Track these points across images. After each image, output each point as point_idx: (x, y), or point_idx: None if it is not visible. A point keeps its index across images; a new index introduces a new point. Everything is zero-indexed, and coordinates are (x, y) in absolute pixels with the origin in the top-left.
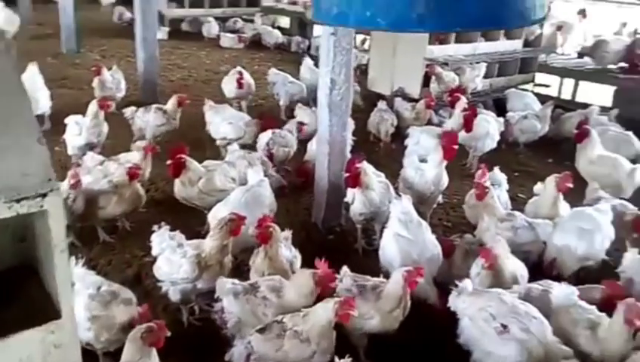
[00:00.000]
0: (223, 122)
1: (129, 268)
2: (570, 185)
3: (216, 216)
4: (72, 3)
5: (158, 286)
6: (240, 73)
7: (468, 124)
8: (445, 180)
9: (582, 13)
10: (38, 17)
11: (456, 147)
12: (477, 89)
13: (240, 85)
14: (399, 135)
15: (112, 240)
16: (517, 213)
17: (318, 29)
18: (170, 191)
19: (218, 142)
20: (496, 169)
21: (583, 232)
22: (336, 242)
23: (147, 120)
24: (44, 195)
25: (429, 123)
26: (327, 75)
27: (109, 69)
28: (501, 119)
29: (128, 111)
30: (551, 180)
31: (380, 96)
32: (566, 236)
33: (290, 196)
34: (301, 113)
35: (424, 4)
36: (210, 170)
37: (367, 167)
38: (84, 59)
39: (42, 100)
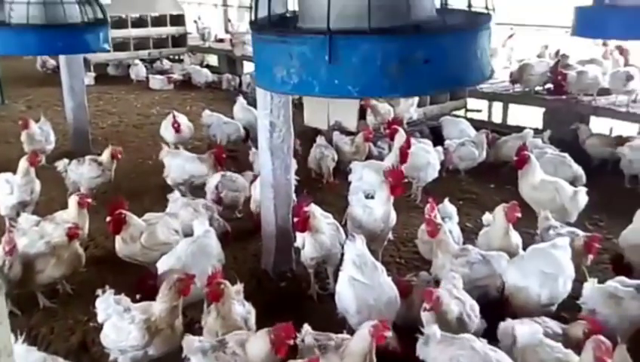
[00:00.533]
0: (186, 163)
1: (73, 336)
2: (519, 215)
3: (162, 268)
4: None
5: (106, 353)
6: (174, 117)
7: (403, 157)
8: (394, 217)
9: (510, 36)
10: None
11: (403, 183)
12: (412, 118)
13: (177, 130)
14: (340, 170)
15: (53, 306)
16: (470, 246)
17: (247, 66)
18: (110, 247)
19: (175, 187)
20: (446, 201)
21: (546, 277)
22: (289, 288)
23: (81, 172)
24: None
25: (369, 156)
26: (266, 118)
27: (37, 120)
28: (439, 148)
29: (61, 165)
30: (500, 211)
31: (318, 132)
32: (526, 279)
33: (237, 242)
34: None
35: (396, 70)
36: (151, 224)
37: (315, 210)
38: (9, 110)
39: None
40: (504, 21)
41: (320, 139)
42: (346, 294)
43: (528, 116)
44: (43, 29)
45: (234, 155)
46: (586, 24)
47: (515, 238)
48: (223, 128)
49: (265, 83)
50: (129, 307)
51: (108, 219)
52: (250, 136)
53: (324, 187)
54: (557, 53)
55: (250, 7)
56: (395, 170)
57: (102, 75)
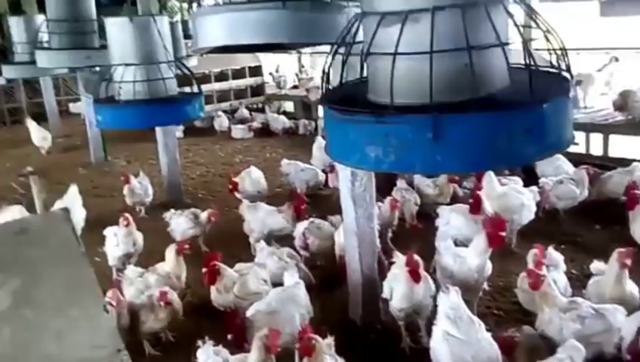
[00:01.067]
0: (266, 217)
1: None
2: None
3: (251, 312)
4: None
5: None
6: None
7: (475, 208)
8: (489, 266)
9: (612, 60)
10: (65, 130)
11: (503, 234)
12: None
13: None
14: (423, 213)
15: (157, 354)
16: (580, 299)
17: (321, 110)
18: (206, 295)
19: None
20: (551, 248)
21: None
22: (380, 341)
23: (178, 223)
24: None
25: (454, 198)
26: (347, 168)
27: (136, 175)
28: (534, 187)
29: (167, 215)
30: (614, 258)
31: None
32: None
33: (324, 290)
34: None
35: (501, 143)
36: (242, 274)
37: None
38: (111, 166)
39: (77, 216)
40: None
41: (400, 183)
42: (440, 351)
43: (633, 148)
44: (148, 103)
45: (315, 198)
46: None
47: (631, 288)
48: (301, 176)
49: (354, 161)
50: (227, 359)
51: (203, 270)
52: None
53: (408, 232)
54: None
55: (323, 79)
56: (495, 219)
57: (190, 128)
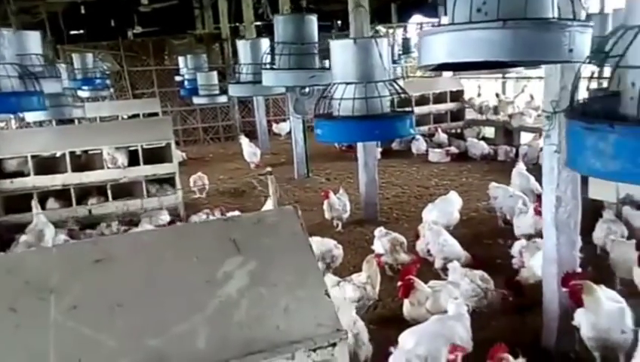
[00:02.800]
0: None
1: None
2: None
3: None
4: (302, 136)
5: None
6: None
7: None
8: None
9: None
10: (273, 148)
11: None
12: None
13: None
14: None
15: None
16: None
17: (525, 137)
18: (395, 308)
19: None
20: None
21: None
22: None
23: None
24: (334, 345)
25: None
26: (552, 193)
27: (336, 192)
28: None
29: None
30: None
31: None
32: None
33: (517, 314)
34: None
35: None
36: (436, 291)
37: (591, 285)
38: (312, 182)
39: None
40: None
41: (607, 213)
42: None
43: None
44: (365, 119)
45: None
46: None
47: None
48: (508, 202)
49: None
50: None
51: (399, 283)
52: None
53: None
54: None
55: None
56: None
57: (387, 150)
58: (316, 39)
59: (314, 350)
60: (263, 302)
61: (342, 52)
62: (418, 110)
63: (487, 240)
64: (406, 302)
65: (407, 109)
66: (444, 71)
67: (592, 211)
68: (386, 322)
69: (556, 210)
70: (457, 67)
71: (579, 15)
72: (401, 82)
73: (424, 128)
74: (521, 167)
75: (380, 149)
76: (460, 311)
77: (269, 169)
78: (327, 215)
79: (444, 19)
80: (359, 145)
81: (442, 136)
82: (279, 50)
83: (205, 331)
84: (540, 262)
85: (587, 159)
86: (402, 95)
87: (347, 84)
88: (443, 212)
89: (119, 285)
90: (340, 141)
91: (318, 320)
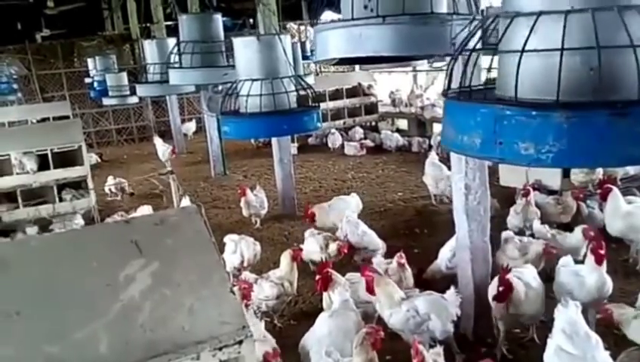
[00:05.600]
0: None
1: None
2: None
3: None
4: (217, 133)
5: None
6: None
7: (598, 258)
8: (609, 285)
9: None
10: (189, 147)
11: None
12: (628, 174)
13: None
14: None
15: None
16: None
17: (437, 127)
18: (316, 302)
19: None
20: None
21: None
22: (491, 355)
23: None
24: (240, 342)
25: (577, 216)
26: (461, 181)
27: (252, 189)
28: None
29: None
30: None
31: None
32: None
33: None
34: None
35: None
36: (354, 283)
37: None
38: (229, 180)
39: None
40: None
41: (520, 200)
42: None
43: None
44: (272, 115)
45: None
46: None
47: None
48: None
49: (512, 156)
50: (338, 359)
51: (317, 277)
52: None
53: None
54: None
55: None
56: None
57: (303, 145)
58: (222, 37)
59: (220, 349)
60: (166, 303)
61: (245, 49)
62: (332, 104)
63: (404, 231)
64: (325, 295)
65: (313, 104)
66: (350, 65)
67: (507, 198)
68: (307, 317)
69: (466, 198)
70: (362, 61)
71: (477, 9)
72: (312, 78)
73: (339, 122)
74: (433, 156)
75: (296, 145)
76: (344, 297)
77: (169, 168)
78: (244, 212)
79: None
80: (273, 141)
81: (357, 130)
82: (185, 48)
83: (107, 336)
84: (447, 255)
85: (454, 135)
86: (309, 90)
87: (253, 80)
88: (338, 211)
89: (16, 292)
90: (248, 137)
91: (222, 319)
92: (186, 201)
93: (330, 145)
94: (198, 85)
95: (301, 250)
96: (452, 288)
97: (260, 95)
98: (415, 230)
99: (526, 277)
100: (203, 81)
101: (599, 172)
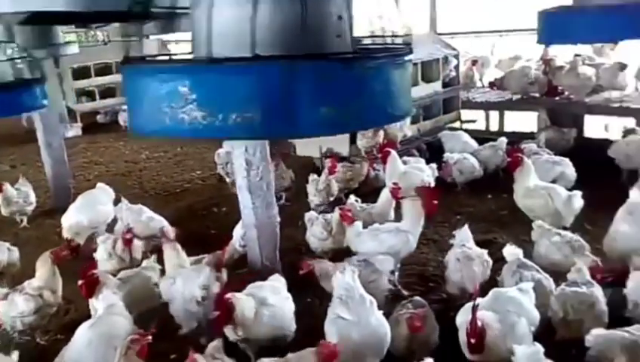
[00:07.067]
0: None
1: None
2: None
3: None
4: None
5: None
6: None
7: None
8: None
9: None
10: None
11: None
12: (407, 136)
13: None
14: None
15: None
16: None
17: None
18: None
19: None
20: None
21: None
22: None
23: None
24: None
25: (366, 179)
26: (242, 157)
27: (14, 183)
28: (433, 164)
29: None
30: None
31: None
32: None
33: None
34: None
35: None
36: (125, 282)
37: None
38: None
39: None
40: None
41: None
42: (329, 332)
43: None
44: None
45: None
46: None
47: None
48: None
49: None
50: None
51: (80, 282)
52: None
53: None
54: (543, 56)
55: None
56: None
57: (91, 124)
58: None
59: None
60: None
61: None
62: (121, 77)
63: (202, 211)
64: (90, 302)
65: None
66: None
67: (304, 166)
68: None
69: (248, 174)
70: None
71: None
72: (76, 47)
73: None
74: None
75: (79, 124)
76: (111, 301)
77: None
78: (3, 211)
79: None
80: (37, 121)
81: None
82: None
83: None
84: (239, 233)
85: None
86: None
87: None
88: (85, 210)
89: None
90: None
91: None
92: None
93: (122, 123)
94: None
95: (70, 247)
96: None
97: None
98: (213, 209)
99: None
100: None
101: (381, 135)
